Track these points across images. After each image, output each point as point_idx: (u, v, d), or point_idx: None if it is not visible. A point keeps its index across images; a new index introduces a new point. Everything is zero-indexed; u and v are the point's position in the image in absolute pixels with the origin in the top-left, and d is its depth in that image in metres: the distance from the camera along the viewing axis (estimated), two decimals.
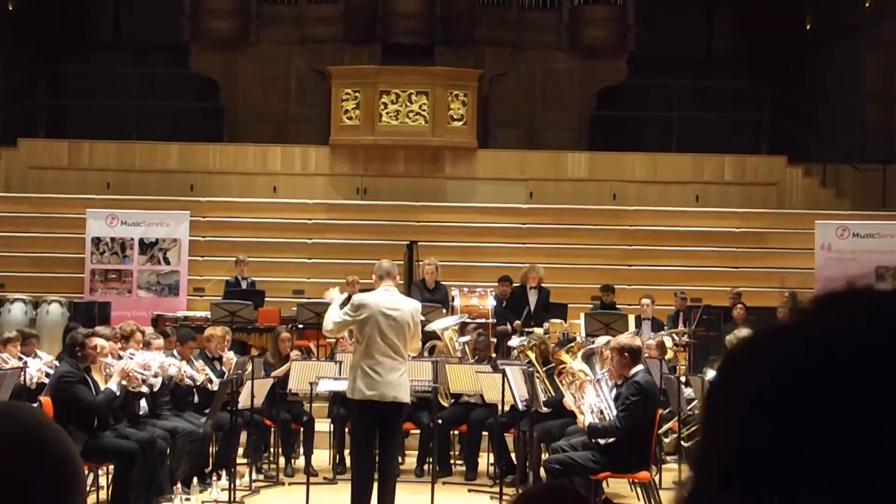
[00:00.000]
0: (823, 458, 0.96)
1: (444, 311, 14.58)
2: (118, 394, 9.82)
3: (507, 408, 11.21)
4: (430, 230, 19.65)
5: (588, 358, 10.67)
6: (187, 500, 10.54)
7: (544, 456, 10.79)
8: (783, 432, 0.98)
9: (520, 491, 11.09)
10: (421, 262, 16.94)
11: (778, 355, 1.01)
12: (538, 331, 14.39)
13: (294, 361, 12.32)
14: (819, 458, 0.96)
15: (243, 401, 10.98)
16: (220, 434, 11.53)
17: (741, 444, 1.00)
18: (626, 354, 9.79)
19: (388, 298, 9.45)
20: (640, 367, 9.84)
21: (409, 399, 9.44)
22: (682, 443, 11.74)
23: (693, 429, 11.25)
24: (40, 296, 17.08)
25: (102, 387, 9.96)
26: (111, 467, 10.10)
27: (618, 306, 16.74)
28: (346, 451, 12.79)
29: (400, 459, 11.60)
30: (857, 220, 19.27)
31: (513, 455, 12.13)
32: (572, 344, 11.87)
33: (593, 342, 11.96)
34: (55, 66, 23.09)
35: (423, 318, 9.88)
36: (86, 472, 8.97)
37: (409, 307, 9.51)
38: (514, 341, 13.81)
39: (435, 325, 12.66)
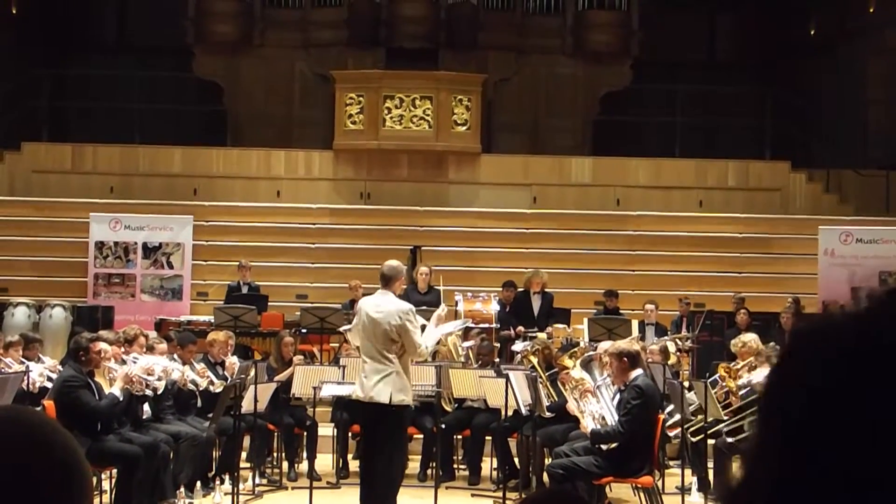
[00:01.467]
0: (884, 453, 0.95)
1: None
2: (121, 399, 9.81)
3: (510, 412, 11.21)
4: (434, 235, 19.66)
5: (587, 365, 10.66)
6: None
7: (547, 461, 10.78)
8: (842, 425, 0.97)
9: (522, 496, 11.09)
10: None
11: (841, 348, 1.00)
12: (542, 336, 14.39)
13: (297, 366, 12.33)
14: (879, 453, 0.95)
15: (246, 405, 10.97)
16: (224, 438, 11.53)
17: (799, 436, 1.00)
18: (625, 359, 9.79)
19: (378, 301, 9.50)
20: (639, 371, 9.84)
21: (391, 401, 9.22)
22: (687, 447, 11.72)
23: (696, 427, 11.23)
24: (43, 300, 17.07)
25: (106, 391, 9.95)
26: (114, 471, 10.09)
27: (621, 311, 16.73)
28: (350, 456, 12.83)
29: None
30: (860, 225, 19.25)
31: (516, 460, 12.12)
32: (576, 349, 11.87)
33: (595, 348, 11.95)
34: (59, 70, 23.13)
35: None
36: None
37: (394, 309, 9.39)
38: (518, 346, 13.82)
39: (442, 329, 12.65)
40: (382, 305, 9.42)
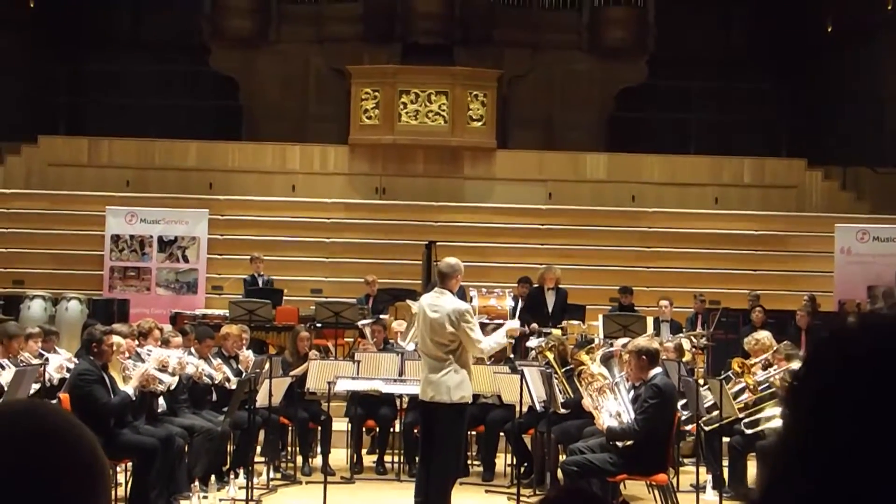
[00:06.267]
0: None
1: None
2: (134, 398, 9.81)
3: (524, 409, 11.20)
4: (449, 230, 19.64)
5: (606, 361, 10.64)
6: (205, 497, 10.55)
7: (562, 457, 10.77)
8: (883, 427, 0.96)
9: (537, 493, 11.09)
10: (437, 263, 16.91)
11: (885, 349, 0.99)
12: (556, 332, 14.37)
13: (312, 360, 12.33)
14: None
15: (261, 399, 10.98)
16: (238, 432, 11.54)
17: (832, 435, 0.98)
18: (644, 357, 9.75)
19: (434, 299, 9.49)
20: (658, 369, 9.80)
21: (452, 399, 9.28)
22: (701, 445, 11.71)
23: (713, 427, 11.21)
24: (60, 293, 17.12)
25: (120, 385, 9.95)
26: (129, 464, 10.09)
27: (636, 308, 16.71)
28: (364, 451, 12.83)
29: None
30: (876, 223, 19.20)
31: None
32: (593, 345, 11.84)
33: (612, 344, 11.93)
34: (75, 65, 23.15)
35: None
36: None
37: (450, 308, 9.35)
38: (533, 342, 13.79)
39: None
40: (439, 305, 9.41)
